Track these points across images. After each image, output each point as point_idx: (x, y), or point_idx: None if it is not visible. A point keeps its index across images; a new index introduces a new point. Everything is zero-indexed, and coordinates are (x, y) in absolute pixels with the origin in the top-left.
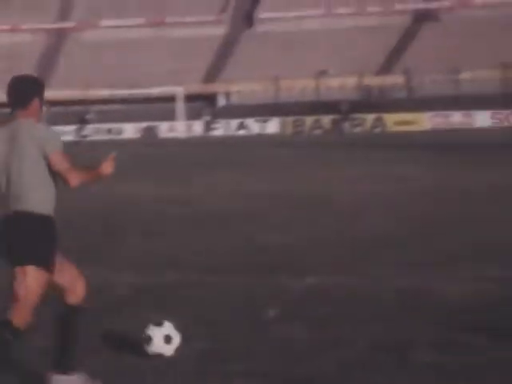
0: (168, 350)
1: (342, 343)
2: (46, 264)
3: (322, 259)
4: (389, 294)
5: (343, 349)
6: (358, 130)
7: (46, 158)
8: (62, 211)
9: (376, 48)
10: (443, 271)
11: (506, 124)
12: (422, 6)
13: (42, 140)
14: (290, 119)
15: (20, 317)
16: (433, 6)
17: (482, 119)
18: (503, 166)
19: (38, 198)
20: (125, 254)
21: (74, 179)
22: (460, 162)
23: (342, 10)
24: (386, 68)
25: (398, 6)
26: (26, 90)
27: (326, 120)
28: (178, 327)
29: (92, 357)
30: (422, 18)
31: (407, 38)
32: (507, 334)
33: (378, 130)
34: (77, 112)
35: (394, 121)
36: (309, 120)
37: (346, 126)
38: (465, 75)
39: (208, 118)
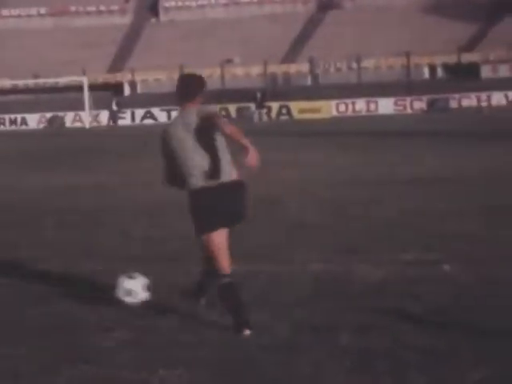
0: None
1: (265, 328)
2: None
3: (246, 247)
4: (309, 278)
5: (266, 334)
6: (264, 118)
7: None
8: None
9: (281, 36)
10: (359, 255)
11: (408, 111)
12: None
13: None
14: None
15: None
16: None
17: (385, 106)
18: (405, 149)
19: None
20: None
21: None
22: (365, 147)
23: None
24: (290, 56)
25: None
26: None
27: (232, 109)
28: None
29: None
30: (326, 6)
31: (311, 26)
32: (425, 317)
33: (284, 117)
34: None
35: (299, 108)
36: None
37: (256, 114)
38: (367, 63)
39: (115, 107)
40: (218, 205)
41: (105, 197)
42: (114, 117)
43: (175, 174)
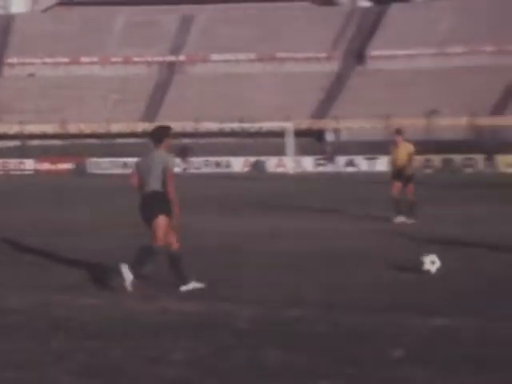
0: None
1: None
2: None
3: (450, 300)
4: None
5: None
6: (469, 170)
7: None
8: None
9: (488, 88)
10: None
11: None
12: None
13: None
14: None
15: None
16: None
17: None
18: None
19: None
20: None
21: (171, 188)
22: None
23: (453, 49)
24: (499, 109)
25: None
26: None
27: (437, 160)
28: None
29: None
30: None
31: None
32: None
33: (488, 170)
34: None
35: (507, 162)
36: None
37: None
38: None
39: (330, 149)
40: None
41: (304, 241)
42: (329, 159)
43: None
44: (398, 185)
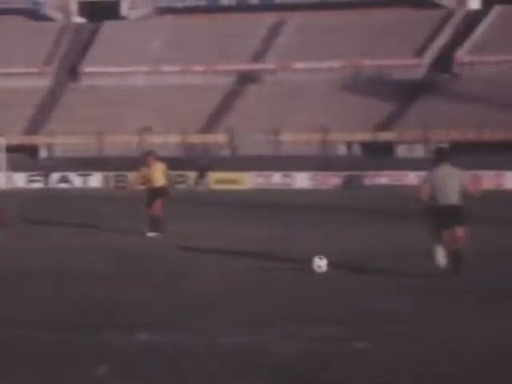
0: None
1: None
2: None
3: (153, 316)
4: (221, 350)
5: None
6: (182, 186)
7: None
8: None
9: (200, 107)
10: (273, 328)
11: (324, 186)
12: (245, 67)
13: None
14: (113, 174)
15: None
16: (256, 67)
17: (302, 180)
18: (325, 226)
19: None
20: None
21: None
22: (282, 220)
23: (166, 68)
24: (209, 127)
25: (223, 66)
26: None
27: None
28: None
29: None
30: (246, 79)
31: (231, 97)
32: None
33: (202, 187)
34: None
35: (216, 179)
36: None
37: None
38: (285, 137)
39: (46, 168)
40: None
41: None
42: (45, 175)
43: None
44: (158, 202)
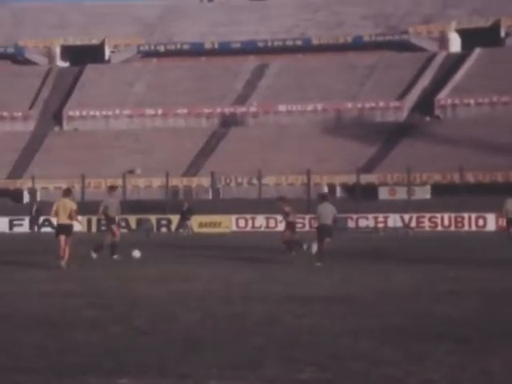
0: None
1: None
2: None
3: (133, 360)
4: None
5: None
6: (163, 230)
7: None
8: None
9: (183, 150)
10: (255, 372)
11: (307, 228)
12: (228, 109)
13: None
14: (96, 218)
15: None
16: (239, 110)
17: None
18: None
19: None
20: None
21: None
22: (265, 262)
23: (149, 111)
24: (192, 170)
25: (206, 109)
26: None
27: (132, 219)
28: None
29: None
30: (229, 122)
31: (214, 140)
32: None
33: (183, 230)
34: None
35: (199, 222)
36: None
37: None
38: (268, 180)
39: (34, 213)
40: None
41: None
42: (34, 222)
43: None
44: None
